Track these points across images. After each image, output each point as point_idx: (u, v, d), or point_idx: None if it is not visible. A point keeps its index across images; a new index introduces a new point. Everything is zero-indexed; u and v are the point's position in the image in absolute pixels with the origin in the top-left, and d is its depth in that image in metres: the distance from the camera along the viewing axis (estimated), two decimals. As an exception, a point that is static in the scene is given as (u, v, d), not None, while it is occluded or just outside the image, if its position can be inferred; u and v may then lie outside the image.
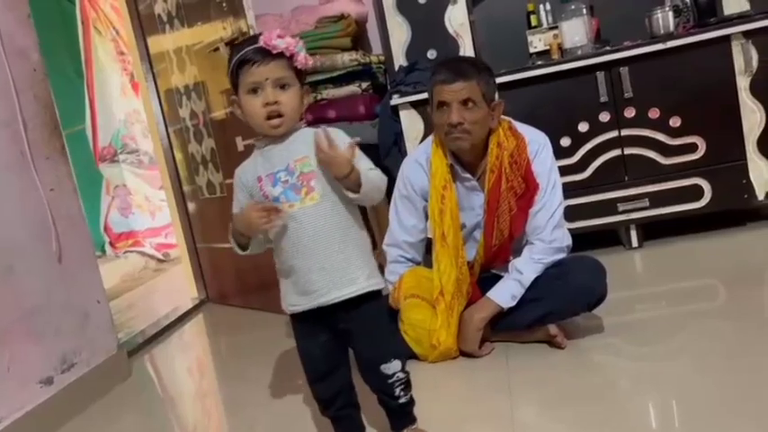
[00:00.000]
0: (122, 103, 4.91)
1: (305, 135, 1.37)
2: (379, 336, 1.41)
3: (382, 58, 3.06)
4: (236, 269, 3.12)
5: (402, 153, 2.74)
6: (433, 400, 1.74)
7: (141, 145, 4.96)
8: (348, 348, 1.45)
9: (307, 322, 1.40)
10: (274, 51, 1.30)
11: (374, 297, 1.39)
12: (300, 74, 1.36)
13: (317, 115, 2.97)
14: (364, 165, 1.33)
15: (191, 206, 3.35)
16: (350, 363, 1.46)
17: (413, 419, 1.48)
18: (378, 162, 2.92)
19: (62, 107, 2.34)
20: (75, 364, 2.14)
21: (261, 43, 1.31)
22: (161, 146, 3.35)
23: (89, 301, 2.27)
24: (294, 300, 1.38)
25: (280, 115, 1.32)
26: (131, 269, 4.68)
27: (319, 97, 2.95)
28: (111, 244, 4.89)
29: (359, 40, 3.17)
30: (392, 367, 1.39)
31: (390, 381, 1.39)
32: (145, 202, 5.00)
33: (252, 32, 2.54)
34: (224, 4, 2.64)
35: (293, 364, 2.24)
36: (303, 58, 1.34)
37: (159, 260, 4.88)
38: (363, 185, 1.30)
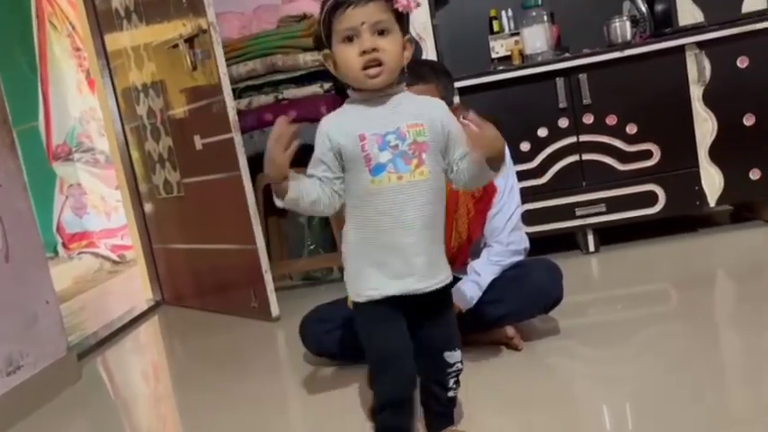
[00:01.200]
0: (78, 101, 4.79)
1: (414, 99, 1.26)
2: (448, 322, 1.34)
3: (345, 59, 3.05)
4: (194, 270, 3.07)
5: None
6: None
7: (97, 143, 4.85)
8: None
9: (385, 307, 1.25)
10: None
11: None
12: (401, 19, 1.21)
13: (278, 115, 2.92)
14: None
15: (147, 206, 3.28)
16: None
17: (452, 420, 1.42)
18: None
19: (14, 102, 2.27)
20: (22, 367, 2.07)
21: None
22: (117, 144, 3.28)
23: (38, 301, 2.19)
24: (379, 282, 1.24)
25: (379, 64, 1.18)
26: (85, 271, 4.56)
27: (280, 97, 2.93)
28: (64, 245, 4.76)
29: (322, 41, 3.15)
30: (455, 356, 1.33)
31: (449, 370, 1.33)
32: (100, 202, 4.88)
33: (212, 30, 2.51)
34: (184, 1, 2.60)
35: (250, 367, 2.22)
36: (405, 0, 1.18)
37: (114, 262, 4.78)
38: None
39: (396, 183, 1.19)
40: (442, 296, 1.30)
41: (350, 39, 1.18)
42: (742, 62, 2.61)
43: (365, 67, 1.17)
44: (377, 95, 1.22)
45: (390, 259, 1.22)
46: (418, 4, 1.22)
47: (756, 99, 2.62)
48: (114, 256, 4.79)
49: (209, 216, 2.85)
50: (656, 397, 1.51)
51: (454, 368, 1.33)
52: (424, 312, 1.29)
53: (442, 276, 1.28)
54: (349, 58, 1.18)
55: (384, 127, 1.20)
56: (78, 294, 3.97)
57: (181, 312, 3.17)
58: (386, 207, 1.20)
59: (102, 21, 3.17)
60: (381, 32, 1.17)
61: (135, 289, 3.55)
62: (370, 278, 1.24)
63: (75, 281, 4.35)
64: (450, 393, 1.36)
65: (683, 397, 1.49)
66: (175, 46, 2.70)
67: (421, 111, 1.22)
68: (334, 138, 1.22)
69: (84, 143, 4.83)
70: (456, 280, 1.94)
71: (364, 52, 1.16)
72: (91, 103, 4.73)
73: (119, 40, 3.10)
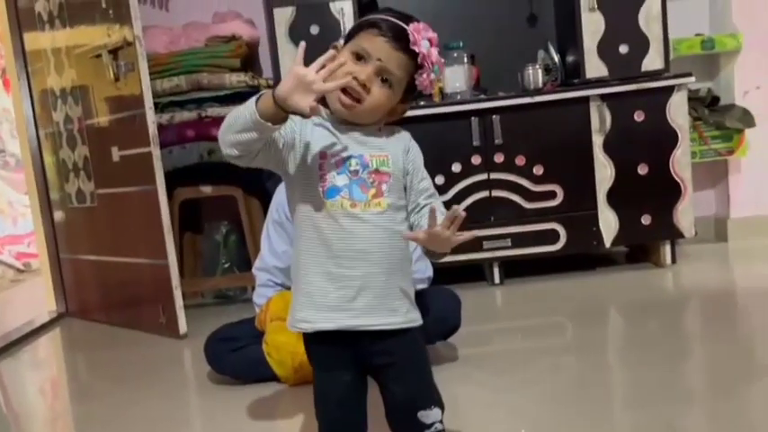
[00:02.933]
0: (-9, 100, 4.61)
1: (393, 136, 1.17)
2: (421, 377, 1.18)
3: (271, 82, 3.09)
4: (101, 283, 3.00)
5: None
6: (289, 422, 1.76)
7: (9, 145, 4.67)
8: (367, 393, 1.21)
9: (328, 351, 1.15)
10: (411, 47, 1.09)
11: (416, 332, 1.17)
12: (411, 89, 1.15)
13: (200, 132, 2.95)
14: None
15: (57, 214, 3.19)
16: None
17: None
18: (260, 184, 2.99)
19: None
20: None
21: (407, 28, 1.10)
22: (29, 148, 3.19)
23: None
24: (311, 315, 1.12)
25: (358, 100, 1.09)
26: (-16, 278, 4.35)
27: (204, 114, 2.94)
28: (-36, 249, 4.53)
29: (249, 63, 3.19)
30: (432, 416, 1.16)
31: None
32: (7, 206, 4.68)
33: (138, 43, 2.50)
34: (110, 11, 2.58)
35: (151, 384, 2.19)
36: (428, 81, 1.13)
37: (18, 270, 4.57)
38: None
39: (348, 210, 1.10)
40: (403, 342, 1.15)
41: (357, 55, 1.10)
42: (639, 116, 2.83)
43: (344, 90, 1.08)
44: (357, 126, 1.14)
45: (330, 290, 1.11)
46: (432, 92, 1.17)
47: (650, 150, 2.84)
48: (18, 264, 4.59)
49: (121, 228, 2.81)
50: (551, 424, 1.60)
51: (432, 429, 1.16)
52: (385, 363, 1.15)
53: (397, 319, 1.13)
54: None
55: (349, 150, 1.12)
56: (-26, 302, 3.78)
57: (85, 325, 3.08)
58: (333, 233, 1.10)
59: (22, 20, 3.10)
60: (384, 80, 1.10)
61: (38, 299, 3.41)
62: (303, 308, 1.14)
63: (-28, 288, 4.14)
64: None
65: (575, 423, 1.59)
66: (99, 56, 2.67)
67: (388, 143, 1.15)
68: (306, 133, 1.12)
69: (-6, 145, 4.64)
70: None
71: (354, 78, 1.08)
72: (5, 103, 4.55)
73: (39, 41, 3.04)
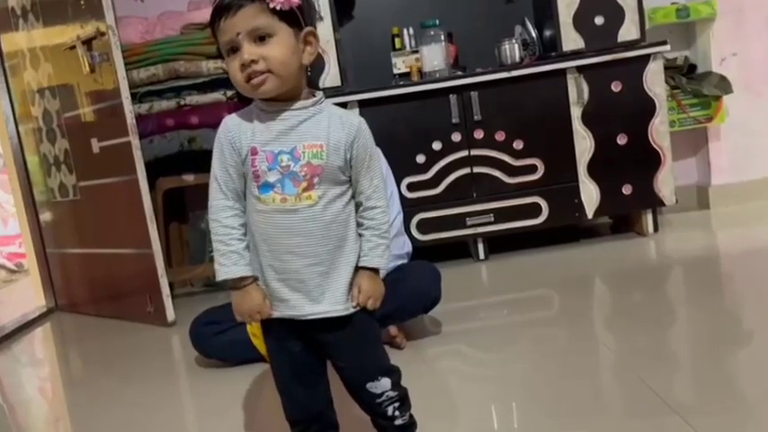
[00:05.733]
0: (-27, 100, 4.57)
1: (326, 115, 1.15)
2: (364, 351, 1.22)
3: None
4: (89, 276, 3.01)
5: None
6: (276, 401, 1.78)
7: (-6, 146, 4.64)
8: (326, 359, 1.25)
9: (276, 330, 1.20)
10: None
11: (359, 312, 1.19)
12: (289, 16, 1.09)
13: (179, 121, 2.95)
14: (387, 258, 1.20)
15: (42, 209, 3.19)
16: (329, 376, 1.27)
17: None
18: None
19: None
20: None
21: None
22: (10, 146, 3.18)
23: None
24: None
25: (264, 72, 1.08)
26: (-24, 279, 4.35)
27: (182, 103, 2.94)
28: (-46, 251, 4.53)
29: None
30: (380, 386, 1.21)
31: (379, 400, 1.21)
32: (-4, 207, 4.68)
33: (111, 33, 2.50)
34: (82, 3, 2.57)
35: (139, 370, 2.21)
36: None
37: (11, 270, 4.58)
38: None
39: (279, 205, 1.12)
40: (345, 326, 1.17)
41: (234, 50, 1.09)
42: (616, 86, 2.84)
43: (248, 79, 1.08)
44: (282, 107, 1.12)
45: (275, 283, 1.15)
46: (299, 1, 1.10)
47: (628, 120, 2.85)
48: (11, 265, 4.60)
49: (105, 220, 2.82)
50: (538, 396, 1.62)
51: (384, 397, 1.21)
52: (328, 341, 1.19)
53: (338, 308, 1.15)
54: (232, 71, 1.10)
55: (280, 144, 1.11)
56: (-35, 303, 3.79)
57: (75, 319, 3.09)
58: (268, 229, 1.13)
59: (-3, 18, 3.08)
60: (263, 38, 1.08)
61: (30, 298, 3.42)
62: None
63: (-36, 289, 4.15)
64: (398, 422, 1.24)
65: (563, 395, 1.59)
66: (72, 47, 2.67)
67: (328, 130, 1.12)
68: (238, 145, 1.13)
69: (-21, 145, 4.62)
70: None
71: (243, 65, 1.08)
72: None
73: (14, 39, 3.02)
